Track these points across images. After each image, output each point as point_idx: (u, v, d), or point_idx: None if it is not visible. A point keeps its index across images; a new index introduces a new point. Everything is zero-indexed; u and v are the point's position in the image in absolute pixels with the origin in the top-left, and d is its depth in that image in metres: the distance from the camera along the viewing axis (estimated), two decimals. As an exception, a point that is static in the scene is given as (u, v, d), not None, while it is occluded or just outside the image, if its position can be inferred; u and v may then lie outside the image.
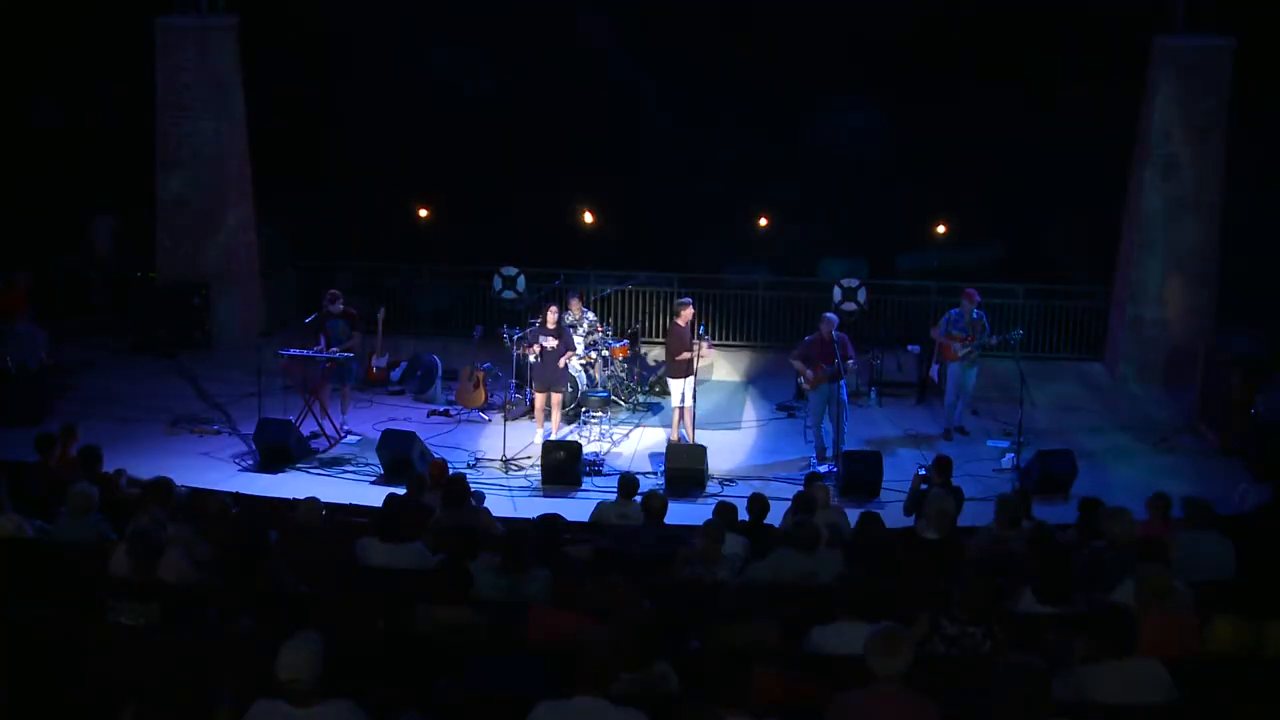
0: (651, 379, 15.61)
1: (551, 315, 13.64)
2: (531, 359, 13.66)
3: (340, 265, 17.55)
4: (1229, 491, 11.97)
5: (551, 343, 13.53)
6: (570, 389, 14.36)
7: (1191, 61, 15.43)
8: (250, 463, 13.15)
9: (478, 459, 13.35)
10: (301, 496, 9.36)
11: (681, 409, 13.70)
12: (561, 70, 19.07)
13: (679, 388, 13.60)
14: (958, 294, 14.44)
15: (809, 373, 13.19)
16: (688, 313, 13.61)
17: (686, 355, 13.40)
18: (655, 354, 16.08)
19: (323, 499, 9.34)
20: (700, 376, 14.51)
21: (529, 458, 13.27)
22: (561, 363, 13.62)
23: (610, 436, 14.10)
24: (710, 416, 14.81)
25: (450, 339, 17.04)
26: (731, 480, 12.86)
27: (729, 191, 19.23)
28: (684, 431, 13.73)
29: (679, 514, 10.49)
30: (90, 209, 18.77)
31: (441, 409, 14.95)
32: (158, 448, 13.48)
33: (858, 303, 16.34)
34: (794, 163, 18.71)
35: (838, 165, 18.52)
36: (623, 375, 15.22)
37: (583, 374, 14.69)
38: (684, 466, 12.53)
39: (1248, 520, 9.87)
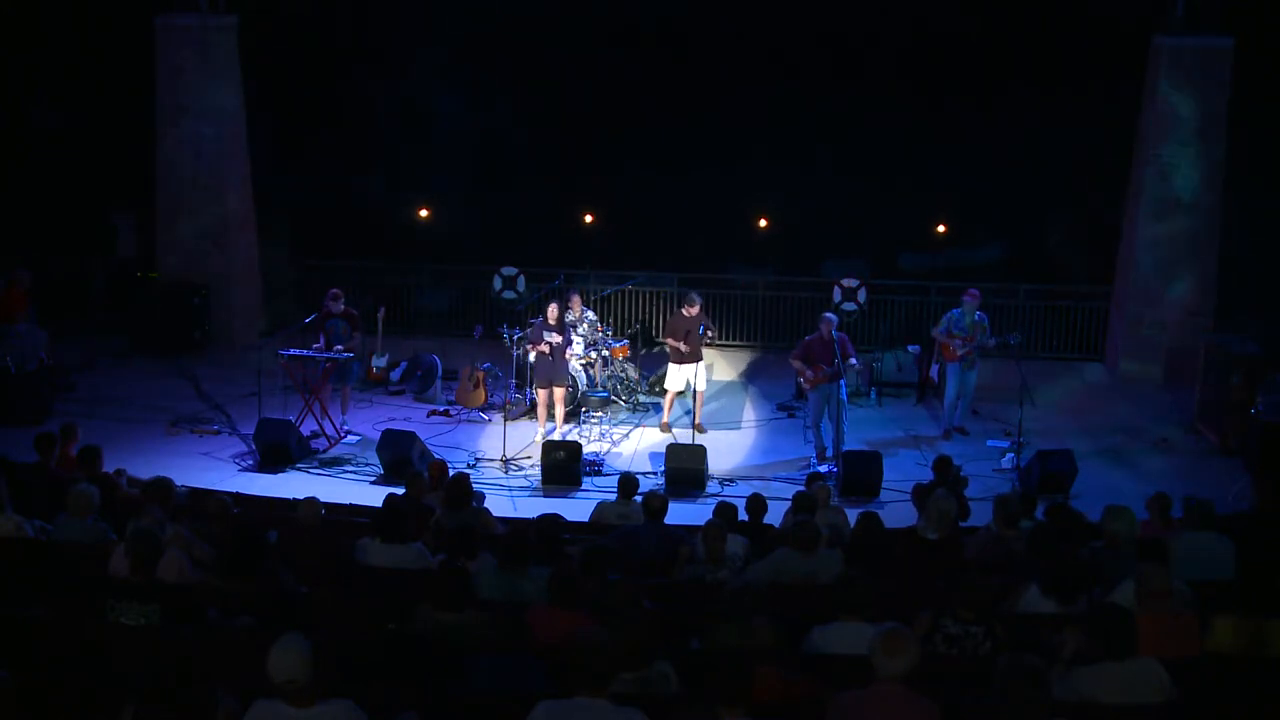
0: (651, 379, 15.61)
1: (553, 311, 13.65)
2: (533, 357, 13.69)
3: (340, 265, 17.56)
4: (1229, 492, 11.97)
5: (556, 338, 13.56)
6: (570, 389, 14.37)
7: (1191, 61, 15.43)
8: (250, 463, 13.16)
9: (478, 459, 13.35)
10: (301, 496, 9.36)
11: (679, 394, 14.29)
12: (561, 69, 19.08)
13: (680, 373, 14.15)
14: (958, 294, 14.44)
15: (809, 372, 13.21)
16: (691, 311, 13.99)
17: (671, 342, 13.98)
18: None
19: (323, 499, 9.33)
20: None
21: (529, 458, 13.28)
22: (566, 355, 13.66)
23: (610, 436, 14.10)
24: (710, 416, 14.82)
25: (450, 339, 17.04)
26: (731, 480, 12.86)
27: (729, 191, 19.23)
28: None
29: (679, 514, 10.48)
30: (102, 209, 18.76)
31: (441, 409, 14.95)
32: (158, 448, 13.49)
33: (858, 303, 16.34)
34: (795, 163, 18.70)
35: (838, 165, 18.51)
36: (623, 375, 15.25)
37: (583, 374, 14.69)
38: (684, 466, 12.53)
39: (1248, 520, 9.86)
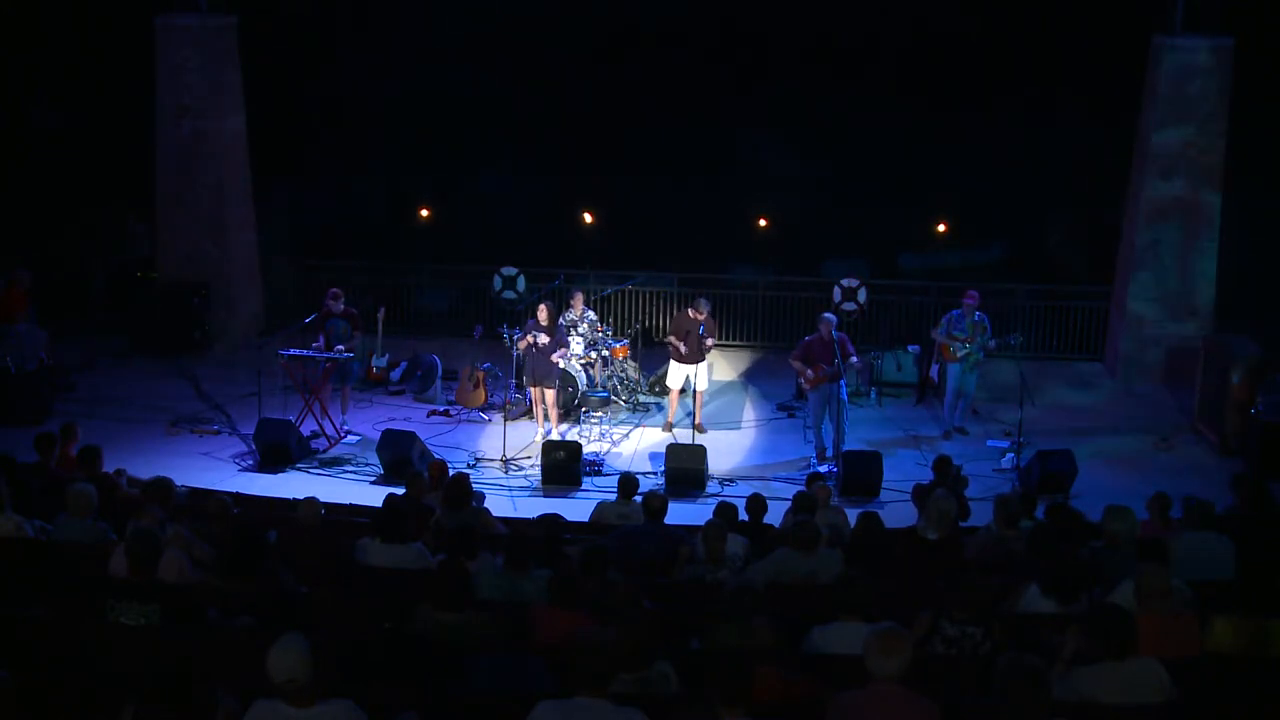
0: (651, 379, 15.61)
1: (543, 313, 13.65)
2: (517, 352, 13.68)
3: (340, 265, 17.56)
4: (1229, 491, 11.96)
5: (544, 338, 13.56)
6: (570, 389, 14.38)
7: (1190, 61, 15.42)
8: (250, 463, 13.16)
9: (478, 459, 13.36)
10: (301, 496, 9.35)
11: (680, 394, 14.30)
12: (562, 69, 19.09)
13: (680, 371, 14.19)
14: (957, 294, 14.44)
15: (809, 372, 13.21)
16: (699, 315, 13.96)
17: (673, 341, 14.09)
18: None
19: (323, 499, 9.33)
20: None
21: (529, 458, 13.28)
22: (554, 358, 13.65)
23: (610, 436, 14.11)
24: (710, 416, 14.82)
25: (450, 339, 17.03)
26: (731, 480, 12.86)
27: (729, 191, 19.23)
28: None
29: (679, 514, 10.48)
30: (105, 210, 18.78)
31: (441, 409, 14.95)
32: (158, 448, 13.49)
33: (858, 303, 16.34)
34: (795, 163, 18.72)
35: (838, 165, 18.53)
36: (624, 375, 15.26)
37: (583, 374, 14.69)
38: (684, 466, 12.53)
39: (1248, 520, 9.86)
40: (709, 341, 14.02)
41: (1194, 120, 15.54)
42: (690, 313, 14.12)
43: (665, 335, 14.65)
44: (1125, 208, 16.50)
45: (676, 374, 14.24)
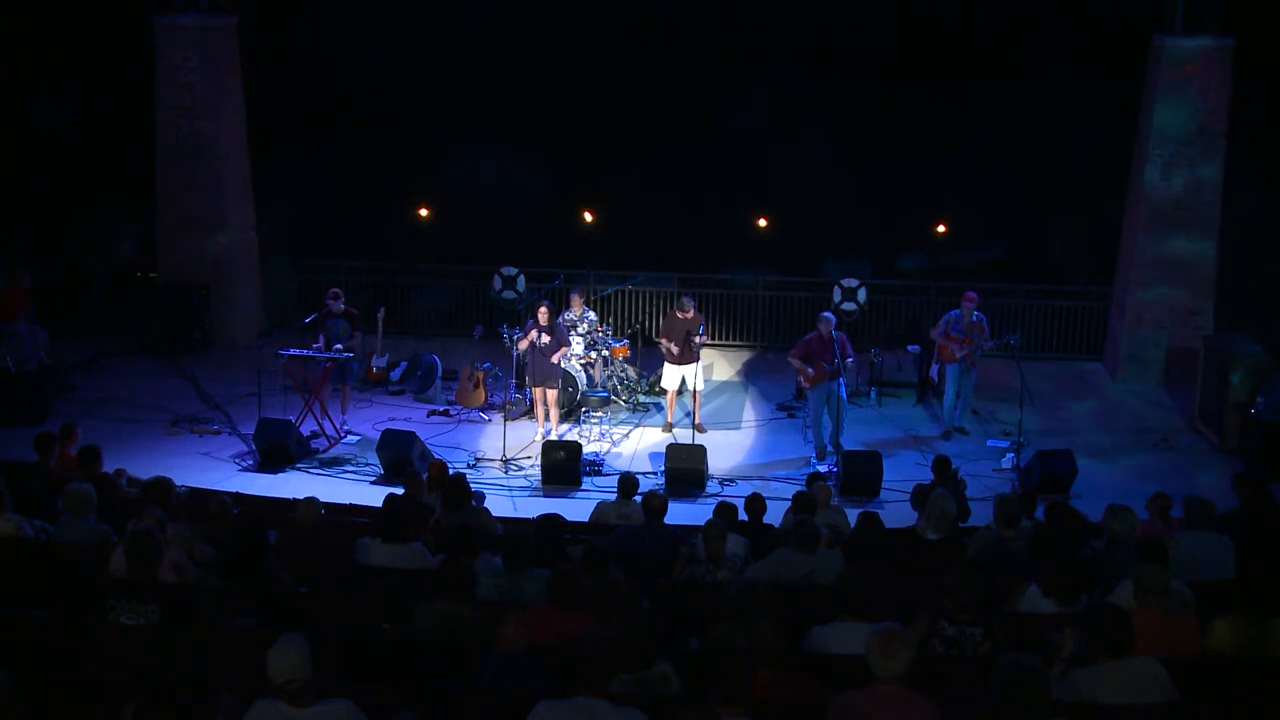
0: (651, 379, 15.61)
1: (544, 314, 13.65)
2: (522, 348, 13.68)
3: (340, 265, 17.56)
4: (1228, 491, 11.97)
5: (545, 338, 13.55)
6: (570, 389, 14.38)
7: (1191, 61, 15.43)
8: (250, 463, 13.16)
9: (478, 459, 13.36)
10: (301, 496, 9.35)
11: (677, 394, 14.40)
12: (560, 69, 19.08)
13: (675, 373, 14.25)
14: (958, 294, 14.45)
15: (809, 370, 13.21)
16: (686, 314, 14.02)
17: (665, 343, 14.19)
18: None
19: (323, 499, 9.31)
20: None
21: (529, 458, 13.28)
22: (555, 358, 13.65)
23: (610, 436, 14.11)
24: (710, 416, 14.82)
25: (450, 339, 17.03)
26: (731, 480, 12.86)
27: (729, 191, 19.21)
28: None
29: (679, 514, 10.49)
30: (101, 212, 18.78)
31: (441, 409, 14.96)
32: (158, 448, 13.49)
33: (857, 303, 16.34)
34: (795, 163, 18.68)
35: (838, 165, 18.50)
36: (623, 375, 15.26)
37: (583, 374, 14.69)
38: (684, 466, 12.53)
39: (1247, 520, 9.86)
40: (695, 340, 13.99)
41: (1194, 120, 15.55)
42: (678, 314, 14.12)
43: (658, 337, 14.60)
44: (1125, 207, 16.51)
45: (671, 376, 14.26)
